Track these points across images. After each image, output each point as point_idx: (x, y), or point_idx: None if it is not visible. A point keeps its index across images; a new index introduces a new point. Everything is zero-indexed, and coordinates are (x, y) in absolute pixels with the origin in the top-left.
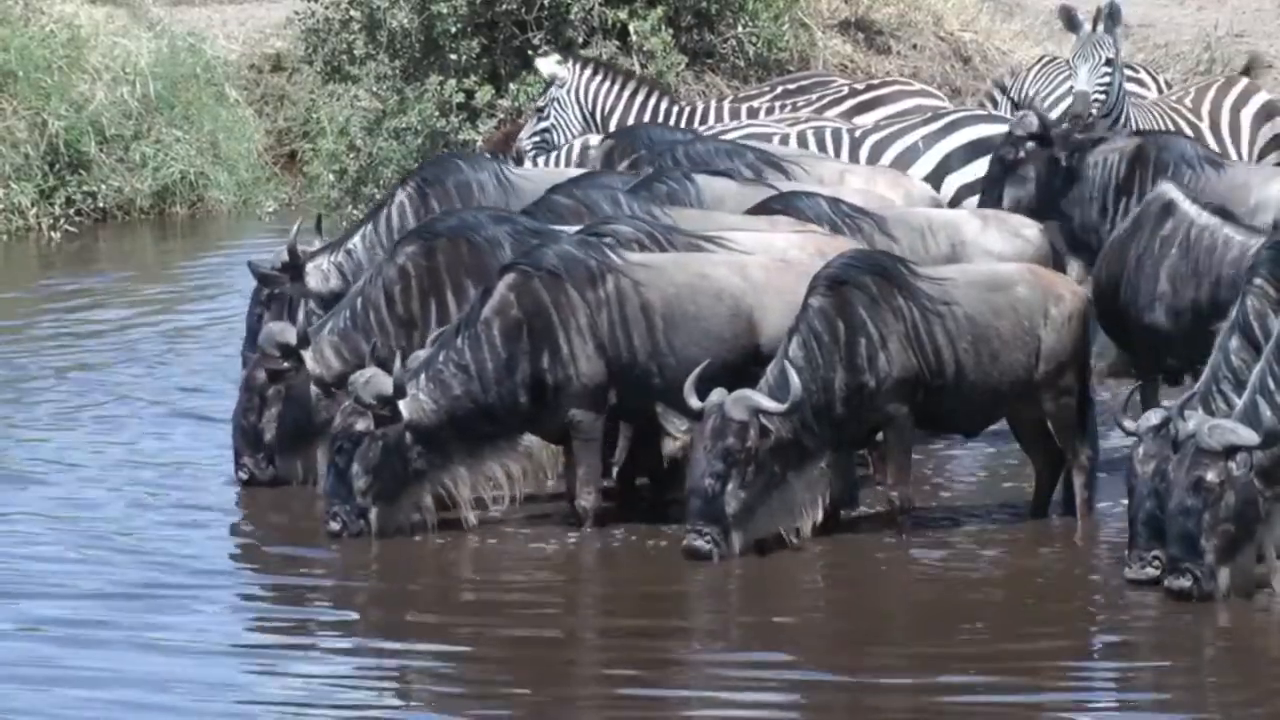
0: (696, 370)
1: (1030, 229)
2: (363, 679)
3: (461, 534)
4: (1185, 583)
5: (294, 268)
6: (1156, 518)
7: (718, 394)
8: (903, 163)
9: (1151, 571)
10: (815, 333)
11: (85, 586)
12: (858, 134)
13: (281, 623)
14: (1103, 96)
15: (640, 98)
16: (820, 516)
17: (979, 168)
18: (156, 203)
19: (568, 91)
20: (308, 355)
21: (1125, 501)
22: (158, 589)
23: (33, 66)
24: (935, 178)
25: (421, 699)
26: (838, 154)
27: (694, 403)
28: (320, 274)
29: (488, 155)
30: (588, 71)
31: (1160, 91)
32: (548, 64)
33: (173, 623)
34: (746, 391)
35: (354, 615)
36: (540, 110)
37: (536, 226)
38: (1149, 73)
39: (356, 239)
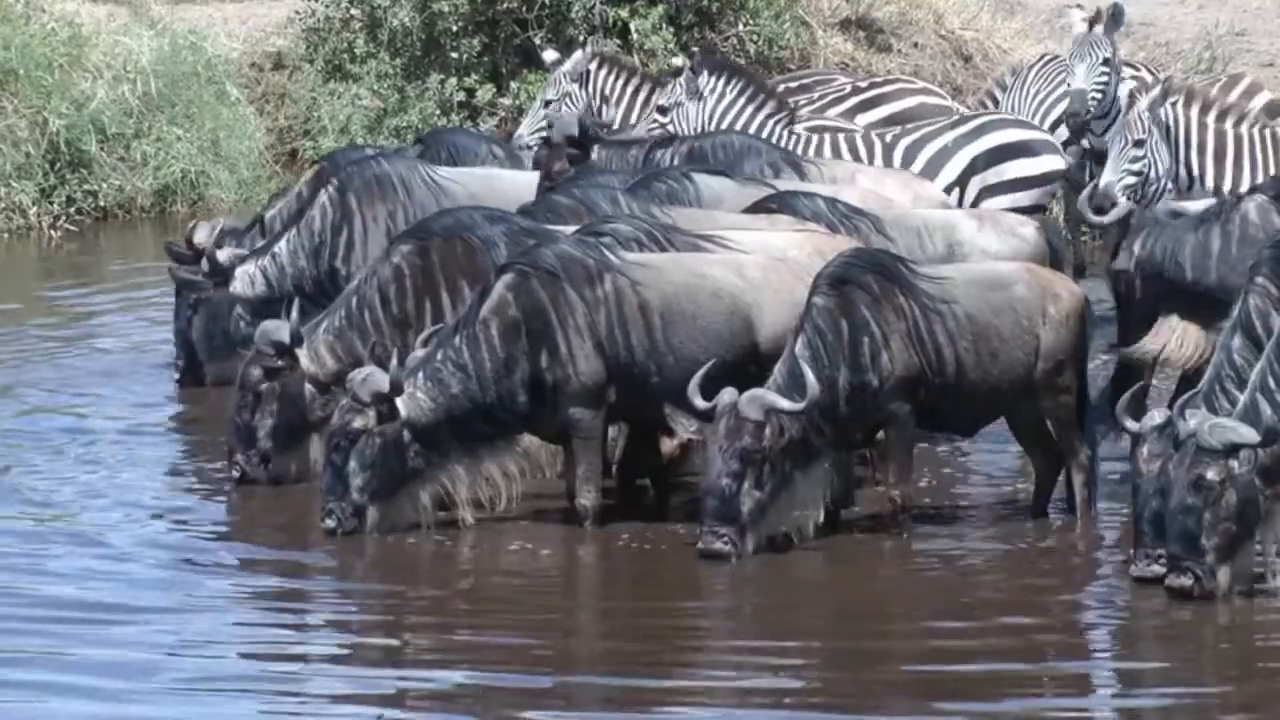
0: (702, 370)
1: (1026, 228)
2: (360, 685)
3: (459, 533)
4: (1186, 581)
5: (217, 273)
6: (1162, 516)
7: (729, 394)
8: (934, 165)
9: (1158, 569)
10: (820, 331)
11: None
12: (888, 138)
13: (273, 629)
14: (1099, 96)
15: (644, 95)
16: (823, 516)
17: (1004, 170)
18: (158, 201)
19: (581, 86)
20: (303, 354)
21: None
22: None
23: (34, 65)
24: (961, 180)
25: (419, 705)
26: (870, 159)
27: (699, 403)
28: (247, 279)
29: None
30: (603, 68)
31: None
32: (561, 57)
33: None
34: (760, 391)
35: (352, 605)
36: (549, 104)
37: (531, 226)
38: (1150, 71)
39: (281, 243)
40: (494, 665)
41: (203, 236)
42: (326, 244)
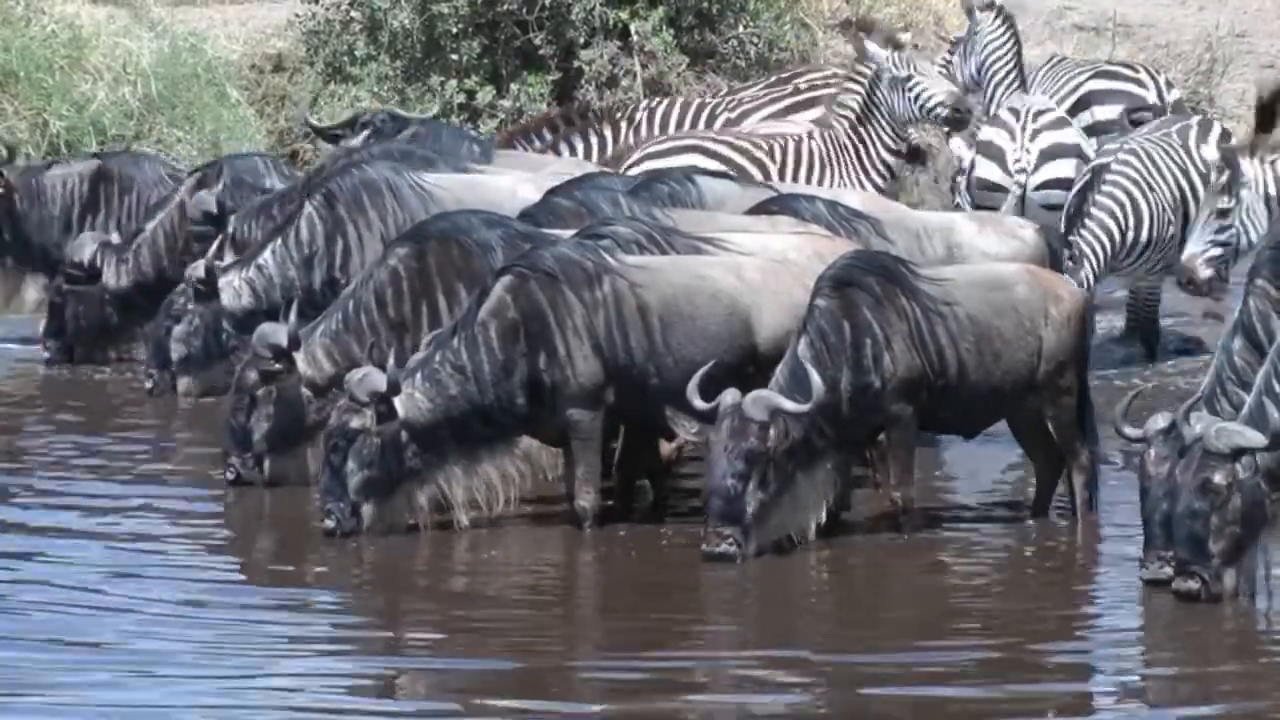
0: (701, 371)
1: (1027, 230)
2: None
3: (456, 535)
4: (1193, 585)
5: (210, 284)
6: (1171, 519)
7: (731, 395)
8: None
9: (1169, 571)
10: (823, 333)
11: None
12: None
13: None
14: None
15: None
16: (825, 517)
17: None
18: None
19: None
20: (299, 357)
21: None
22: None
23: (34, 67)
24: None
25: (418, 709)
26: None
27: (699, 404)
28: (232, 291)
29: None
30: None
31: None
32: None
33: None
34: (764, 392)
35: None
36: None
37: (528, 230)
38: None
39: (266, 254)
40: (493, 666)
41: (87, 254)
42: (320, 254)
